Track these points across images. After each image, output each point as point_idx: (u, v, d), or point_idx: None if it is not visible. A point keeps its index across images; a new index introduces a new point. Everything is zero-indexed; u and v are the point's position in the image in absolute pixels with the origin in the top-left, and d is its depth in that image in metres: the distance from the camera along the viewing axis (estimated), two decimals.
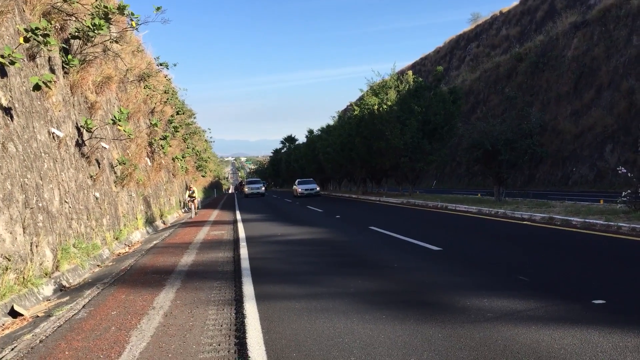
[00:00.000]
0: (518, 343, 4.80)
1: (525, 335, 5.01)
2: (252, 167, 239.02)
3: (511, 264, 8.90)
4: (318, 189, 46.98)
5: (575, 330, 5.03)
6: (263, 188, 56.75)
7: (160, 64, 26.89)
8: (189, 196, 27.11)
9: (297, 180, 50.34)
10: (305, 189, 45.82)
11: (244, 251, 11.99)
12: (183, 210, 32.71)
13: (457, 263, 9.38)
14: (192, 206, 26.82)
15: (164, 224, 22.95)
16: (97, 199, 13.75)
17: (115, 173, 16.56)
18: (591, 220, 13.10)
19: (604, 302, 6.01)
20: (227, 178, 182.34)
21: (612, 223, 12.32)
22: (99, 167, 14.58)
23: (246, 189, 56.34)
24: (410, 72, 35.88)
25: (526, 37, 53.44)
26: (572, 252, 9.84)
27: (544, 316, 5.60)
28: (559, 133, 38.04)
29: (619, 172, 14.23)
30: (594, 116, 35.16)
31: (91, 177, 13.62)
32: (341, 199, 41.45)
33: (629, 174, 13.71)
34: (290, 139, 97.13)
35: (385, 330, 5.46)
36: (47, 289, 8.84)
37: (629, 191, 13.90)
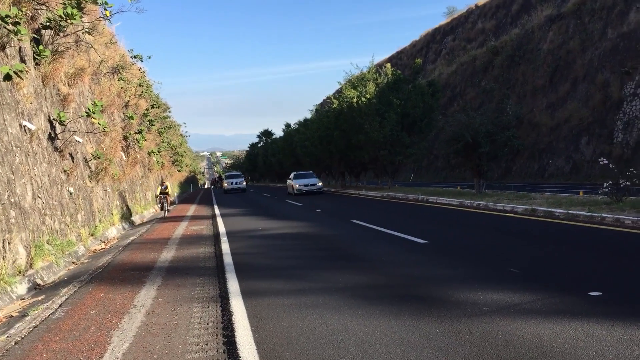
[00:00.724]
0: (519, 337, 4.63)
1: (525, 329, 4.84)
2: (228, 161, 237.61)
3: (500, 256, 8.78)
4: (321, 184, 36.78)
5: (577, 324, 4.88)
6: (244, 183, 51.86)
7: (135, 57, 26.33)
8: (160, 192, 23.30)
9: (293, 173, 39.46)
10: (305, 185, 35.90)
11: (225, 246, 11.70)
12: (159, 206, 32.15)
13: (445, 256, 9.23)
14: (165, 203, 23.19)
15: (141, 219, 22.48)
16: (71, 194, 13.31)
17: (89, 167, 16.10)
18: (574, 212, 13.09)
19: (600, 294, 5.89)
20: (202, 173, 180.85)
21: (595, 214, 12.32)
22: (73, 162, 14.13)
23: (225, 184, 50.92)
24: (388, 65, 35.77)
25: (502, 31, 53.74)
26: (560, 244, 9.76)
27: (542, 309, 5.45)
28: (535, 126, 38.32)
29: (601, 163, 14.27)
30: (570, 109, 35.47)
31: (65, 171, 13.17)
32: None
33: (611, 165, 13.73)
34: (267, 133, 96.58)
35: (380, 326, 5.26)
36: (21, 288, 8.46)
37: (610, 182, 13.93)
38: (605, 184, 13.98)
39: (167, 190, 23.51)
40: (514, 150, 23.53)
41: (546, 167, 36.41)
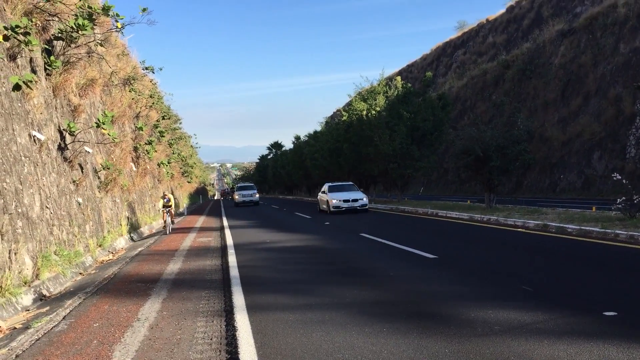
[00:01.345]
0: None
1: (539, 350, 4.69)
2: (238, 173, 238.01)
3: (511, 272, 8.60)
4: (366, 200, 27.59)
5: (592, 345, 4.72)
6: (257, 195, 45.69)
7: (146, 68, 26.46)
8: (163, 205, 20.67)
9: (327, 185, 29.87)
10: (344, 200, 26.94)
11: (232, 259, 11.60)
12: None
13: (455, 271, 9.06)
14: (168, 218, 20.37)
15: (150, 230, 22.44)
16: (79, 204, 13.28)
17: (99, 178, 16.10)
18: (587, 228, 12.88)
19: (615, 313, 5.72)
20: (212, 184, 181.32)
21: (609, 231, 12.10)
22: (82, 172, 14.12)
23: (236, 197, 45.34)
24: (398, 78, 35.69)
25: (513, 45, 53.63)
26: (573, 261, 9.57)
27: (555, 329, 5.28)
28: (546, 140, 38.05)
29: (614, 178, 14.05)
30: (582, 123, 35.20)
31: (74, 182, 13.16)
32: None
33: (624, 181, 13.52)
34: (276, 145, 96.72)
35: (387, 344, 5.12)
36: (27, 299, 8.39)
37: (623, 198, 13.71)
38: (618, 199, 13.76)
39: (169, 204, 20.81)
40: (525, 164, 23.29)
41: (558, 182, 36.09)
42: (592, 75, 36.26)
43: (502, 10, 60.98)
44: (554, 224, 14.22)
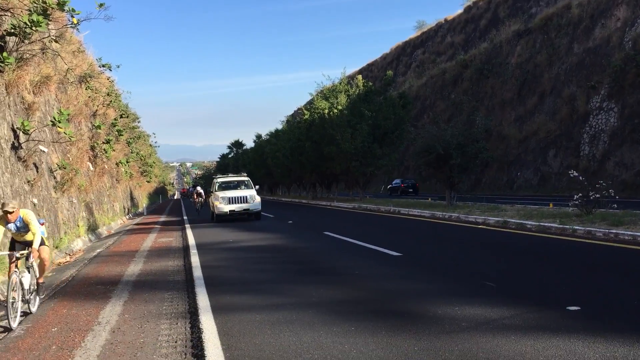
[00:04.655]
0: (500, 356, 4.50)
1: (506, 346, 4.72)
2: (198, 172, 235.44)
3: (474, 269, 8.70)
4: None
5: (558, 340, 4.77)
6: (257, 198, 22.96)
7: (103, 66, 25.75)
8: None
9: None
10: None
11: (195, 259, 11.41)
12: (127, 217, 31.54)
13: (420, 269, 9.11)
14: (27, 274, 7.46)
15: (108, 231, 21.93)
16: (35, 205, 12.84)
17: (54, 178, 15.61)
18: (546, 224, 13.16)
19: (578, 308, 5.81)
20: (172, 184, 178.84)
21: (567, 226, 12.38)
22: (37, 172, 13.66)
23: (218, 203, 22.65)
24: (360, 77, 35.86)
25: (471, 45, 54.53)
26: (534, 256, 9.75)
27: (521, 325, 5.34)
28: (503, 138, 38.83)
29: (571, 175, 14.39)
30: (537, 122, 36.06)
31: (28, 182, 12.72)
32: (291, 204, 41.04)
33: (581, 178, 13.86)
34: (237, 144, 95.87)
35: (356, 344, 5.07)
36: None
37: (580, 195, 14.05)
38: (575, 196, 14.10)
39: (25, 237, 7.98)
40: (484, 162, 23.70)
41: (515, 179, 36.86)
42: (547, 74, 37.17)
43: (460, 11, 61.98)
44: (513, 221, 14.49)
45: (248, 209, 22.44)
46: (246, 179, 25.24)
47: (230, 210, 22.14)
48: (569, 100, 33.72)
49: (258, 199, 22.79)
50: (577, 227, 12.06)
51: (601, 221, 12.57)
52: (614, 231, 11.09)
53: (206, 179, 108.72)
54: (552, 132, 34.31)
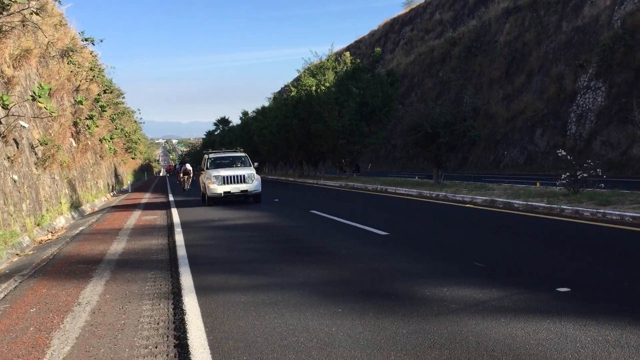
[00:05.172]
0: (491, 339, 4.39)
1: (496, 329, 4.61)
2: (184, 149, 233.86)
3: (463, 249, 8.61)
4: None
5: (549, 323, 4.67)
6: (257, 178, 20.11)
7: (86, 39, 25.16)
8: None
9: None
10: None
11: (179, 237, 11.23)
12: (112, 194, 31.19)
13: (407, 248, 9.01)
14: None
15: (92, 208, 21.64)
16: (15, 182, 12.55)
17: (36, 154, 15.28)
18: (533, 203, 13.11)
19: (568, 289, 5.72)
20: (158, 161, 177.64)
21: (554, 206, 12.33)
22: (18, 148, 13.33)
23: (211, 183, 19.58)
24: (347, 54, 35.48)
25: (459, 22, 54.12)
26: (522, 236, 9.69)
27: (511, 307, 5.24)
28: (491, 117, 38.77)
29: (559, 154, 14.34)
30: (525, 101, 35.99)
31: (8, 158, 12.40)
32: (278, 182, 40.84)
33: (569, 157, 13.80)
34: (224, 121, 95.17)
35: (343, 326, 4.95)
36: None
37: (567, 174, 14.01)
38: (563, 175, 14.05)
39: None
40: (471, 141, 23.62)
41: (501, 158, 36.90)
42: (535, 53, 37.01)
43: None
44: (501, 200, 14.43)
45: (246, 191, 19.44)
46: (243, 155, 22.32)
47: (224, 192, 19.26)
48: (556, 79, 33.64)
49: (258, 178, 19.98)
50: (564, 207, 12.01)
51: (589, 201, 12.54)
52: (601, 211, 11.05)
53: (192, 157, 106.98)
54: (540, 111, 34.28)
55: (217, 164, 21.25)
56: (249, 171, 19.91)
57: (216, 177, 19.41)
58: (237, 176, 19.46)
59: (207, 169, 20.82)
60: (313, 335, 4.76)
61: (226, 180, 19.34)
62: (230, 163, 21.49)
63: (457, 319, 4.94)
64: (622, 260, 7.22)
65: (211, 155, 22.23)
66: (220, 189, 19.24)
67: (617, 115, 27.92)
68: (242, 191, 19.42)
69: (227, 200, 20.24)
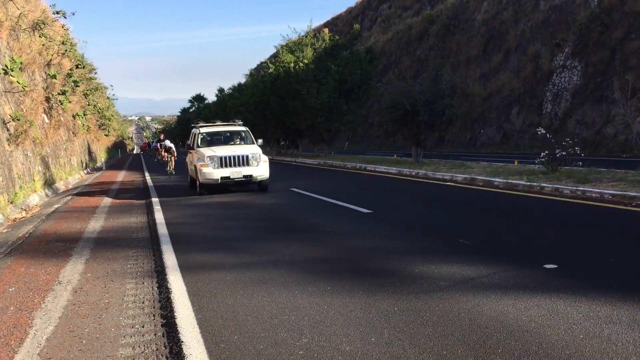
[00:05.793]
0: (483, 315, 4.39)
1: (487, 306, 4.60)
2: (158, 126, 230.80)
3: (447, 226, 8.61)
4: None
5: (539, 299, 4.68)
6: (265, 160, 15.61)
7: (57, 12, 24.42)
8: None
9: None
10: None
11: (159, 215, 11.06)
12: (86, 172, 30.65)
13: (391, 226, 8.99)
14: None
15: (66, 186, 21.21)
16: None
17: (7, 130, 14.84)
18: (513, 181, 13.19)
19: (555, 266, 5.75)
20: (131, 138, 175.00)
21: (534, 184, 12.43)
22: None
23: (203, 166, 14.91)
24: (326, 30, 35.14)
25: None
26: (505, 213, 9.74)
27: (500, 284, 5.24)
28: (468, 95, 38.87)
29: (538, 133, 14.44)
30: (502, 79, 36.13)
31: None
32: None
33: (548, 135, 13.90)
34: (199, 98, 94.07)
35: (334, 304, 4.89)
36: None
37: (546, 152, 14.12)
38: (542, 153, 14.16)
39: None
40: (449, 119, 23.68)
41: (478, 137, 37.13)
42: (512, 32, 37.08)
43: None
44: (481, 178, 14.50)
45: (251, 176, 14.91)
46: (243, 129, 17.26)
47: (222, 177, 14.75)
48: (533, 58, 33.80)
49: (265, 160, 15.59)
50: (544, 185, 12.11)
51: (567, 178, 12.67)
52: (581, 188, 11.17)
53: (167, 134, 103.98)
54: (516, 90, 34.47)
55: (210, 140, 16.60)
56: (252, 150, 15.38)
57: (211, 157, 14.91)
58: (238, 157, 14.95)
59: (197, 147, 16.14)
60: (304, 313, 4.70)
61: (224, 162, 14.87)
62: (228, 139, 16.86)
63: (447, 296, 4.92)
64: (606, 237, 7.29)
65: (202, 130, 16.95)
66: (217, 173, 14.76)
67: (592, 94, 28.22)
68: (245, 176, 14.89)
69: (224, 185, 15.21)
